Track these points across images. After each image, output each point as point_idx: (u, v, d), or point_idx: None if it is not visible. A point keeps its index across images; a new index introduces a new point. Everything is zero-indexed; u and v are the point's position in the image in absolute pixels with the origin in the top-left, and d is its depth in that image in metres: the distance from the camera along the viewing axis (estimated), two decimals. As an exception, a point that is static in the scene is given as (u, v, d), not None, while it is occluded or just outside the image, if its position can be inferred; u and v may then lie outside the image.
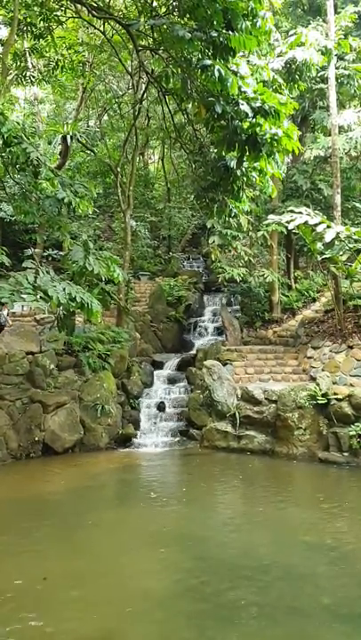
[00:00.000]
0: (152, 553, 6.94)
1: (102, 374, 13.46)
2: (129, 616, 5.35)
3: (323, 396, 11.71)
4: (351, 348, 12.98)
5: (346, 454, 11.13)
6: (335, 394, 11.70)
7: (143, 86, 16.42)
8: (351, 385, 12.11)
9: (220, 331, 17.32)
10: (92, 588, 5.94)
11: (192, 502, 9.17)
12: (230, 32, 7.85)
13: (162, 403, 14.25)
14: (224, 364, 13.95)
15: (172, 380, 15.30)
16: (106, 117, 22.40)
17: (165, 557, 6.83)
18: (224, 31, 7.85)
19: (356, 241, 12.40)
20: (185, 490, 10.05)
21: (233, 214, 11.24)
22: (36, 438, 11.92)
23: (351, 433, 11.05)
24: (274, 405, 12.17)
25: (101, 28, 13.76)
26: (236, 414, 12.50)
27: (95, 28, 14.34)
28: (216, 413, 12.90)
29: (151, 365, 15.70)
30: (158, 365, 16.00)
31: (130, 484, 10.55)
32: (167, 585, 6.00)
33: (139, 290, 20.17)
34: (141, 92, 16.44)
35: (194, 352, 16.31)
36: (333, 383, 12.25)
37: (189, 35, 7.61)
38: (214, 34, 7.75)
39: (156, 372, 15.52)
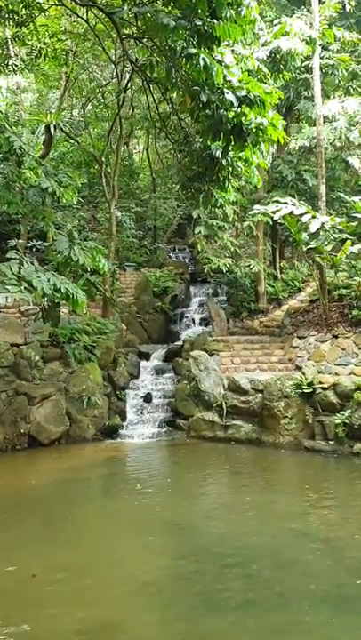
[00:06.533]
0: (140, 543, 6.97)
1: (88, 366, 13.41)
2: (127, 605, 5.39)
3: (308, 385, 11.79)
4: (336, 337, 13.09)
5: (331, 443, 11.24)
6: (321, 383, 11.79)
7: (127, 75, 16.24)
8: (336, 374, 12.22)
9: (206, 321, 17.31)
10: (85, 579, 5.94)
11: (179, 492, 9.22)
12: (215, 21, 7.79)
13: (148, 394, 14.25)
14: (211, 355, 13.97)
15: (158, 371, 15.28)
16: (90, 107, 22.08)
17: (153, 547, 6.87)
18: (209, 20, 7.79)
19: (340, 231, 12.49)
20: (172, 480, 10.09)
21: (219, 204, 11.21)
22: (22, 430, 11.86)
23: (337, 421, 11.14)
24: (260, 395, 12.23)
25: (85, 16, 13.56)
26: (223, 404, 12.55)
27: (78, 16, 14.13)
28: (203, 404, 12.94)
29: (138, 356, 15.65)
30: (145, 356, 15.96)
31: (116, 475, 10.55)
32: (159, 574, 6.04)
33: (124, 281, 20.06)
34: (126, 81, 16.28)
35: (180, 343, 16.28)
36: (319, 372, 12.33)
37: (174, 23, 7.53)
38: (199, 22, 7.68)
39: (142, 363, 15.47)
